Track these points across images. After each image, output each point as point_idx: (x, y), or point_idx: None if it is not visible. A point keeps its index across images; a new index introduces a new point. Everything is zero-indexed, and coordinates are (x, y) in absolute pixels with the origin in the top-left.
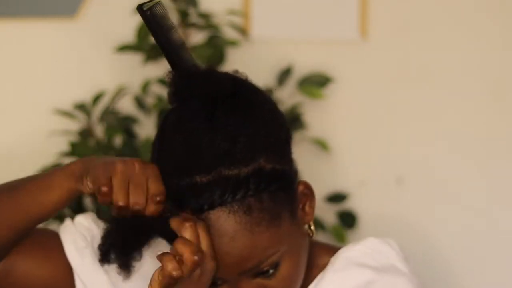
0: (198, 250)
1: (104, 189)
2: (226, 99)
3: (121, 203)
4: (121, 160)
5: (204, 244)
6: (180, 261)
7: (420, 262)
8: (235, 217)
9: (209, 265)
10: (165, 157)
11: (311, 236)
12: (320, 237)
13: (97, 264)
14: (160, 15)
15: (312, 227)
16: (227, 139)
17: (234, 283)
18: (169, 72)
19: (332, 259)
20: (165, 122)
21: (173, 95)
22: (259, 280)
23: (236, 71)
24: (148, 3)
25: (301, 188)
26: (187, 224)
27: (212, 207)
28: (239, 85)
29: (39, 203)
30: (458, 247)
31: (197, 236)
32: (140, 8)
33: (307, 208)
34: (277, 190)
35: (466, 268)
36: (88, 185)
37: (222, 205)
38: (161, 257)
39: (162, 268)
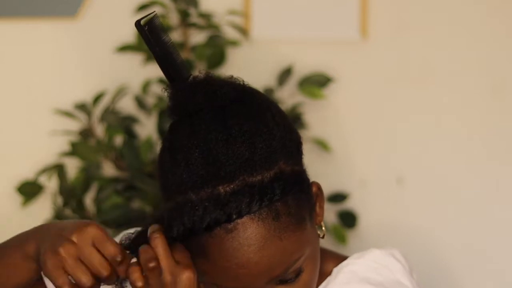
0: (153, 257)
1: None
2: (234, 106)
3: (85, 280)
4: (61, 244)
5: (178, 255)
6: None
7: (420, 261)
8: (264, 224)
9: (184, 275)
10: (179, 172)
11: (322, 237)
12: None
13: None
14: (157, 28)
15: (323, 228)
16: (246, 146)
17: None
18: (168, 85)
19: (336, 270)
20: (173, 136)
21: (175, 108)
22: (281, 287)
23: (231, 77)
24: (145, 18)
25: (314, 189)
26: (155, 235)
27: (239, 216)
28: (241, 90)
29: (4, 282)
30: (458, 246)
31: (163, 246)
32: (138, 24)
33: (317, 208)
34: (299, 192)
35: (466, 268)
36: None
37: (250, 213)
38: (129, 267)
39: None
